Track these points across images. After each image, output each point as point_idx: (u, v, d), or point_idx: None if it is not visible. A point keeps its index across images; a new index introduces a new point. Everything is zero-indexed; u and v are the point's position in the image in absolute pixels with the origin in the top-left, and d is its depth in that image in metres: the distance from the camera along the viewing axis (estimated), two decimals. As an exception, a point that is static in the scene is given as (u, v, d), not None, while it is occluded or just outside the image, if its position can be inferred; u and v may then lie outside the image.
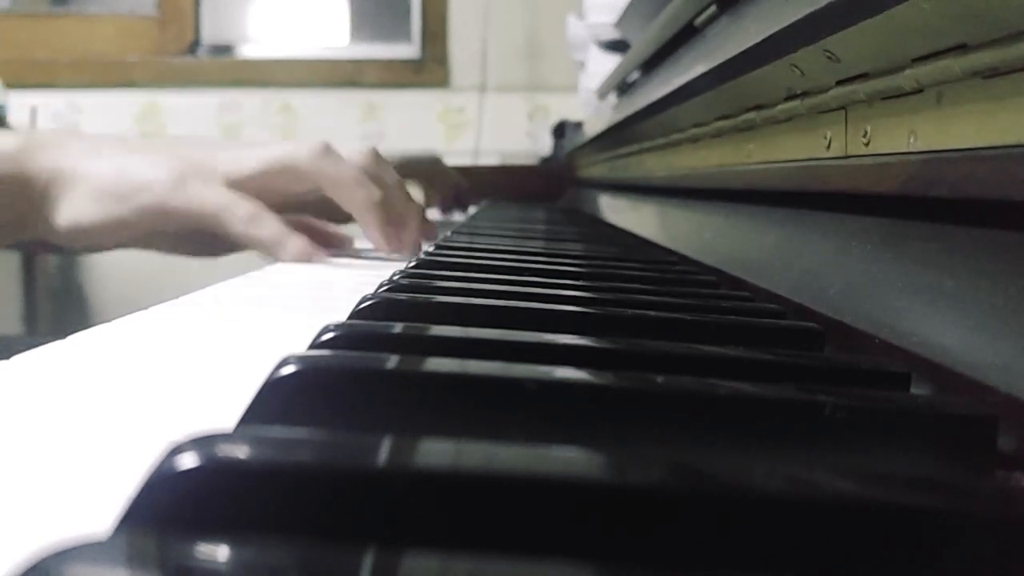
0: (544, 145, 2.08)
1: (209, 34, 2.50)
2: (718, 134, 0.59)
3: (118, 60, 2.45)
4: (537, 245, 0.68)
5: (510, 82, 2.44)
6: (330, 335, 0.27)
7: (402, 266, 0.47)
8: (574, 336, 0.29)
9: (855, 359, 0.29)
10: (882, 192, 0.35)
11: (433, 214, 1.22)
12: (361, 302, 0.33)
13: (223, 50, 2.51)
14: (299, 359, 0.22)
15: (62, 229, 0.61)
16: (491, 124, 2.43)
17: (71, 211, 0.61)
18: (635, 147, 0.91)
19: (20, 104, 2.17)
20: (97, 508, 0.16)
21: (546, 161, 1.92)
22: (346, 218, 0.67)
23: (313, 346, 0.27)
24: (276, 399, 0.21)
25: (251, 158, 0.62)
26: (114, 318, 0.34)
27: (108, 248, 0.67)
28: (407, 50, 2.47)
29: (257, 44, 2.53)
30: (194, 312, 0.37)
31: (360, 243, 0.72)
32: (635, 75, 0.98)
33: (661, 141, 0.76)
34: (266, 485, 0.15)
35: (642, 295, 0.41)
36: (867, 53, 0.35)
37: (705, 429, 0.22)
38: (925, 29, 0.30)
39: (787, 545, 0.15)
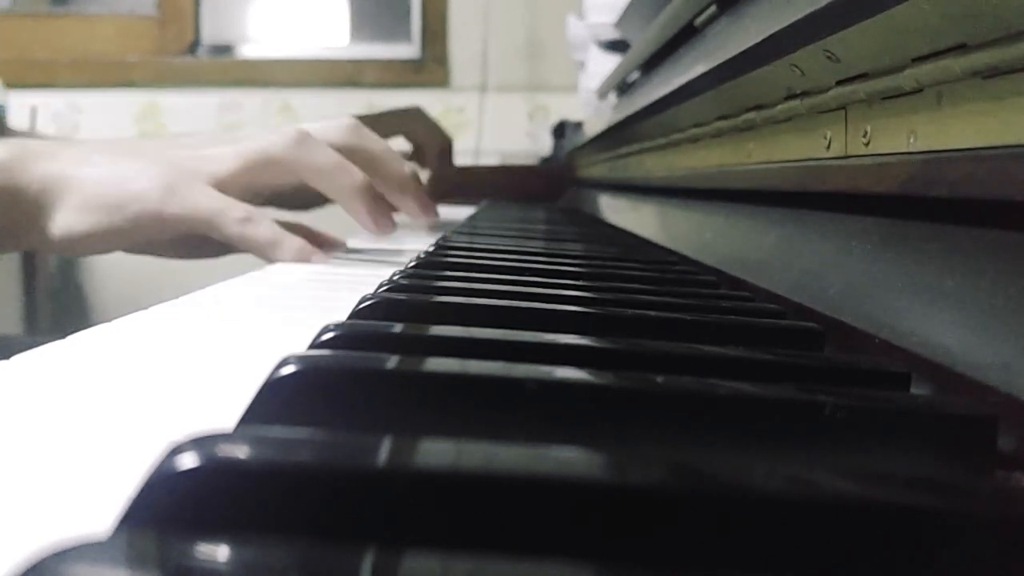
0: (544, 145, 2.08)
1: (209, 34, 2.50)
2: (718, 134, 0.59)
3: (118, 60, 2.45)
4: (537, 245, 0.68)
5: (510, 82, 2.44)
6: (330, 335, 0.27)
7: (402, 266, 0.47)
8: (574, 336, 0.29)
9: (855, 359, 0.29)
10: (882, 192, 0.35)
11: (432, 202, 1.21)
12: (361, 302, 0.33)
13: (223, 50, 2.51)
14: (299, 359, 0.22)
15: (55, 239, 0.60)
16: (491, 124, 2.43)
17: (64, 221, 0.60)
18: (635, 147, 0.90)
19: (20, 104, 2.17)
20: (97, 508, 0.16)
21: (546, 161, 1.92)
22: (325, 201, 0.66)
23: (313, 346, 0.27)
24: (276, 399, 0.21)
25: (231, 156, 0.61)
26: (114, 318, 0.33)
27: (102, 254, 0.67)
28: (407, 50, 2.47)
29: (257, 44, 2.53)
30: (194, 312, 0.37)
31: (359, 243, 0.72)
32: (635, 75, 0.98)
33: (661, 141, 0.76)
34: (266, 485, 0.15)
35: (642, 295, 0.41)
36: (867, 53, 0.35)
37: (705, 429, 0.22)
38: (925, 29, 0.30)
39: (787, 545, 0.15)
